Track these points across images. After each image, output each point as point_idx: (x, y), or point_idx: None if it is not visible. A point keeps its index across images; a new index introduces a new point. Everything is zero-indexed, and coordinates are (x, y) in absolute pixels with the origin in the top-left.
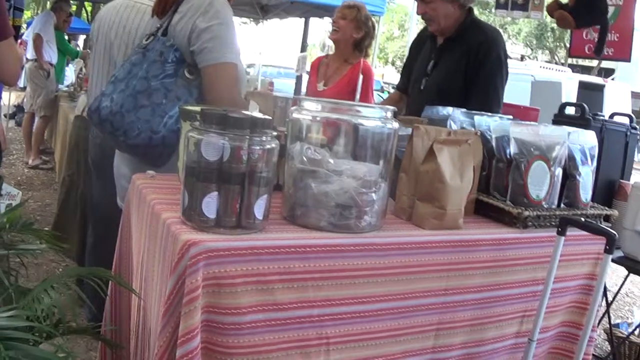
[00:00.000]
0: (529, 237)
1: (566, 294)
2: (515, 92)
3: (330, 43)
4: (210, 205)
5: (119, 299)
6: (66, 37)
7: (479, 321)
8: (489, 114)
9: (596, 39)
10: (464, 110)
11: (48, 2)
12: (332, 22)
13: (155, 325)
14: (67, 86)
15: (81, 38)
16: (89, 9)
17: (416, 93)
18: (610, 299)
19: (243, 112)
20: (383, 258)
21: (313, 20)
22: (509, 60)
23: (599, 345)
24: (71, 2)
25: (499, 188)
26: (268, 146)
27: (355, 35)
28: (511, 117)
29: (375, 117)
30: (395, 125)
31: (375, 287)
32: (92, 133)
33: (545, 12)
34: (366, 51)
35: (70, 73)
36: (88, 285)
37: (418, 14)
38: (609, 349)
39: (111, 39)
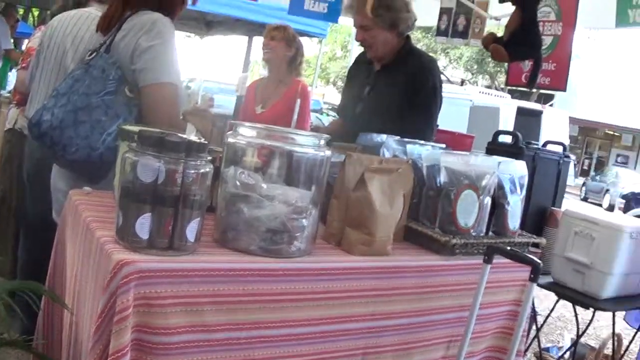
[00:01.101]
0: (456, 265)
1: (493, 320)
2: (454, 116)
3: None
4: (143, 226)
5: (51, 313)
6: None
7: (406, 346)
8: (422, 142)
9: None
10: (397, 138)
11: None
12: (263, 44)
13: (87, 341)
14: (9, 92)
15: (25, 42)
16: (35, 13)
17: (351, 117)
18: (540, 322)
19: (179, 135)
20: (312, 283)
21: (256, 39)
22: (449, 85)
23: None
24: (18, 6)
25: (428, 216)
26: (202, 170)
27: (288, 53)
28: (444, 145)
29: (308, 145)
30: (328, 152)
31: (303, 311)
32: (28, 147)
33: None
34: (298, 70)
35: (14, 78)
36: (20, 299)
37: (357, 40)
38: None
39: (65, 48)
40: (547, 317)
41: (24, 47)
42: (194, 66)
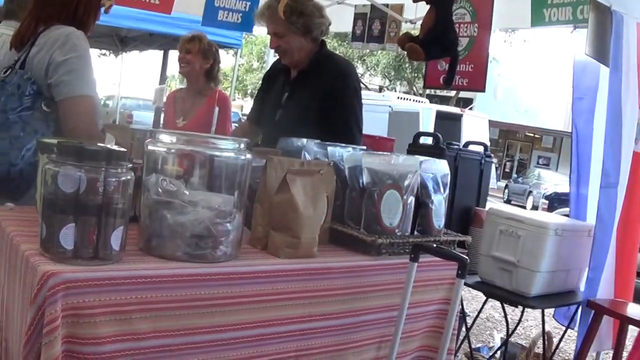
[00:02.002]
0: (382, 264)
1: (422, 319)
2: (373, 122)
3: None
4: (67, 236)
5: None
6: None
7: (338, 347)
8: (343, 144)
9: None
10: (317, 141)
11: None
12: (179, 58)
13: (17, 356)
14: None
15: None
16: None
17: (271, 124)
18: (469, 323)
19: (99, 144)
20: (239, 287)
21: (172, 52)
22: (367, 92)
23: None
24: None
25: (353, 217)
26: (124, 178)
27: (205, 65)
28: (365, 147)
29: (229, 149)
30: (249, 156)
31: (232, 315)
32: None
33: None
34: (217, 79)
35: None
36: None
37: (271, 47)
38: None
39: None
40: (476, 317)
41: None
42: (111, 83)
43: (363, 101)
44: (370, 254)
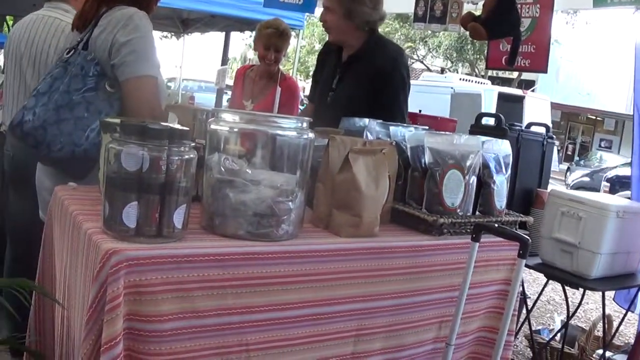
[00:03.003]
0: (444, 244)
1: (483, 300)
2: (435, 104)
3: (251, 56)
4: (130, 214)
5: (43, 310)
6: None
7: (398, 327)
8: (406, 125)
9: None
10: (380, 121)
11: None
12: (267, 57)
13: (79, 334)
14: None
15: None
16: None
17: (322, 107)
18: (530, 305)
19: (162, 123)
20: (300, 265)
21: (234, 34)
22: (429, 73)
23: (520, 352)
24: None
25: (414, 197)
26: (186, 156)
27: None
28: (427, 127)
29: (291, 128)
30: (311, 135)
31: (293, 293)
32: (5, 147)
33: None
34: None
35: None
36: (8, 297)
37: (320, 20)
38: (531, 355)
39: (20, 52)
40: (536, 300)
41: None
42: (173, 66)
43: (425, 83)
44: (432, 234)
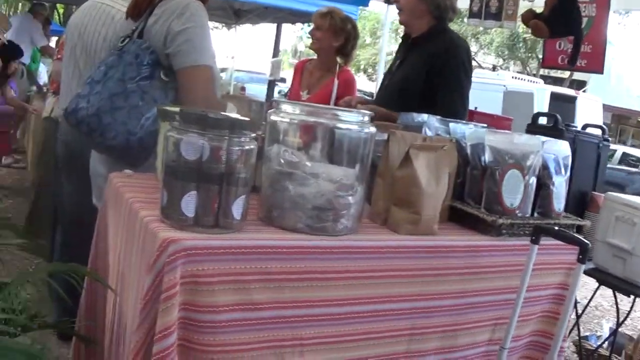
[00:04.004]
0: (503, 245)
1: (538, 303)
2: (487, 101)
3: (302, 48)
4: (189, 204)
5: (94, 296)
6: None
7: (452, 327)
8: (458, 120)
9: (570, 50)
10: (439, 117)
11: (20, 4)
12: (309, 32)
13: (132, 321)
14: (41, 87)
15: (53, 40)
16: (61, 10)
17: (381, 89)
18: (579, 311)
19: (222, 113)
20: (358, 261)
21: (285, 26)
22: (481, 70)
23: (567, 357)
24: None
25: (473, 195)
26: (247, 147)
27: (335, 43)
28: (485, 125)
29: (352, 121)
30: (372, 129)
31: (349, 289)
32: (59, 132)
33: (518, 22)
34: (350, 56)
35: (44, 74)
36: (58, 281)
37: (391, 2)
38: None
39: (74, 40)
40: (587, 305)
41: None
42: (224, 56)
43: (477, 80)
44: (490, 234)
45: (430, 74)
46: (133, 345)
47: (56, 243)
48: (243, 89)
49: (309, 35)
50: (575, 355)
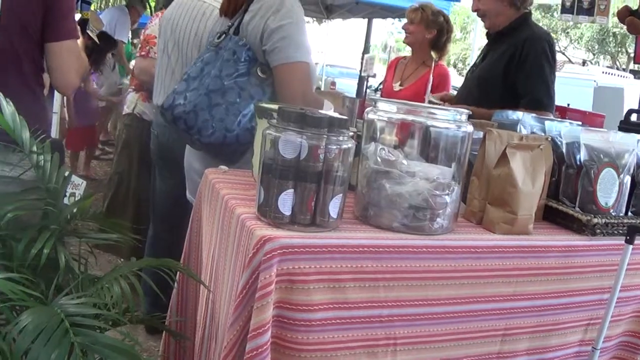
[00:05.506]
0: (597, 245)
1: (630, 303)
2: (577, 96)
3: (392, 44)
4: (286, 202)
5: (185, 291)
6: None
7: (545, 328)
8: (548, 114)
9: None
10: (534, 115)
11: None
12: (403, 27)
13: (225, 318)
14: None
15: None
16: (152, 4)
17: (465, 83)
18: None
19: (320, 111)
20: (454, 261)
21: (375, 21)
22: (570, 65)
23: None
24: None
25: (568, 194)
26: (345, 146)
27: (428, 35)
28: (580, 122)
29: (450, 120)
30: (470, 128)
31: (444, 289)
32: (154, 129)
33: (610, 18)
34: (444, 50)
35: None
36: (148, 274)
37: (473, 10)
38: None
39: (167, 36)
40: None
41: (141, 37)
42: (315, 51)
43: (566, 74)
44: (584, 234)
45: (510, 65)
46: (226, 342)
47: (148, 235)
48: (333, 83)
49: (402, 30)
50: None
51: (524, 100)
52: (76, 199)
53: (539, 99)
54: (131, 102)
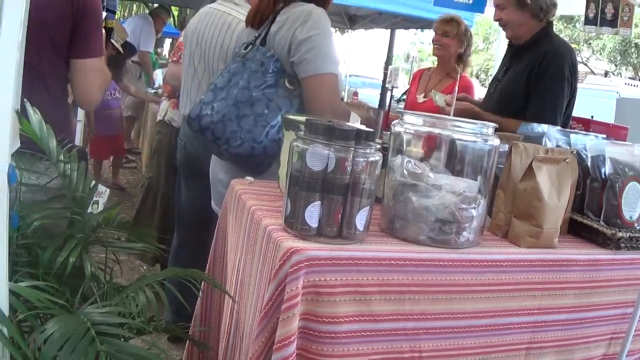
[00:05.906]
0: (622, 259)
1: None
2: (599, 108)
3: (415, 54)
4: (313, 214)
5: (209, 301)
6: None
7: (568, 342)
8: (585, 132)
9: None
10: (559, 128)
11: (134, 5)
12: (434, 39)
13: (250, 329)
14: (156, 89)
15: (167, 42)
16: (175, 12)
17: (487, 97)
18: None
19: (347, 123)
20: (480, 274)
21: (398, 32)
22: (593, 76)
23: None
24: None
25: (592, 208)
26: (372, 158)
27: (459, 50)
28: (604, 135)
29: (476, 133)
30: (496, 142)
31: (470, 303)
32: (181, 139)
33: (632, 29)
34: (467, 62)
35: (159, 77)
36: (173, 284)
37: (495, 20)
38: None
39: (193, 47)
40: None
41: (165, 46)
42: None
43: (588, 86)
44: (609, 247)
45: (530, 79)
46: (252, 353)
47: (172, 244)
48: (356, 94)
49: (424, 41)
50: None
51: (528, 115)
52: (99, 206)
53: (541, 117)
54: (163, 109)
